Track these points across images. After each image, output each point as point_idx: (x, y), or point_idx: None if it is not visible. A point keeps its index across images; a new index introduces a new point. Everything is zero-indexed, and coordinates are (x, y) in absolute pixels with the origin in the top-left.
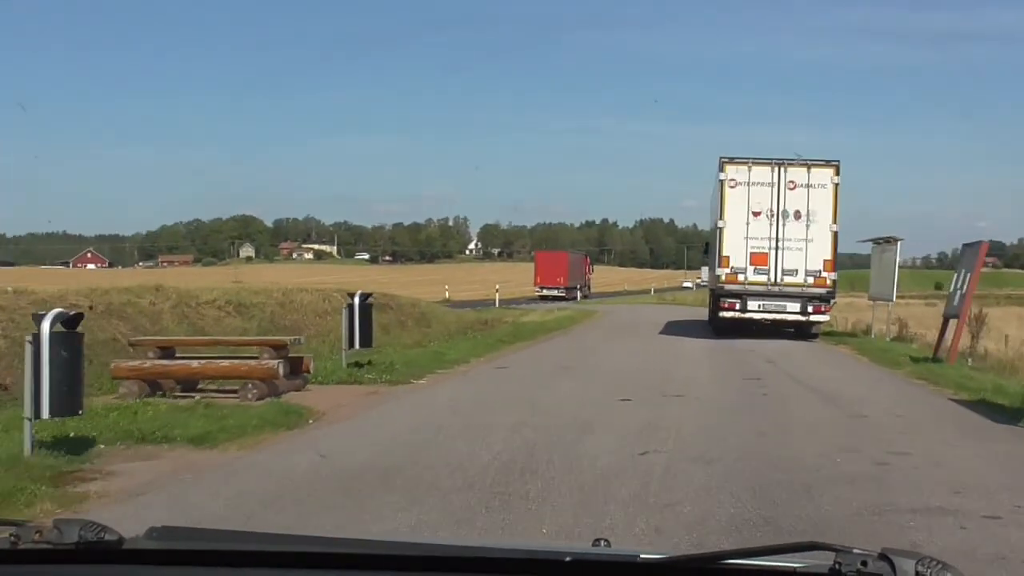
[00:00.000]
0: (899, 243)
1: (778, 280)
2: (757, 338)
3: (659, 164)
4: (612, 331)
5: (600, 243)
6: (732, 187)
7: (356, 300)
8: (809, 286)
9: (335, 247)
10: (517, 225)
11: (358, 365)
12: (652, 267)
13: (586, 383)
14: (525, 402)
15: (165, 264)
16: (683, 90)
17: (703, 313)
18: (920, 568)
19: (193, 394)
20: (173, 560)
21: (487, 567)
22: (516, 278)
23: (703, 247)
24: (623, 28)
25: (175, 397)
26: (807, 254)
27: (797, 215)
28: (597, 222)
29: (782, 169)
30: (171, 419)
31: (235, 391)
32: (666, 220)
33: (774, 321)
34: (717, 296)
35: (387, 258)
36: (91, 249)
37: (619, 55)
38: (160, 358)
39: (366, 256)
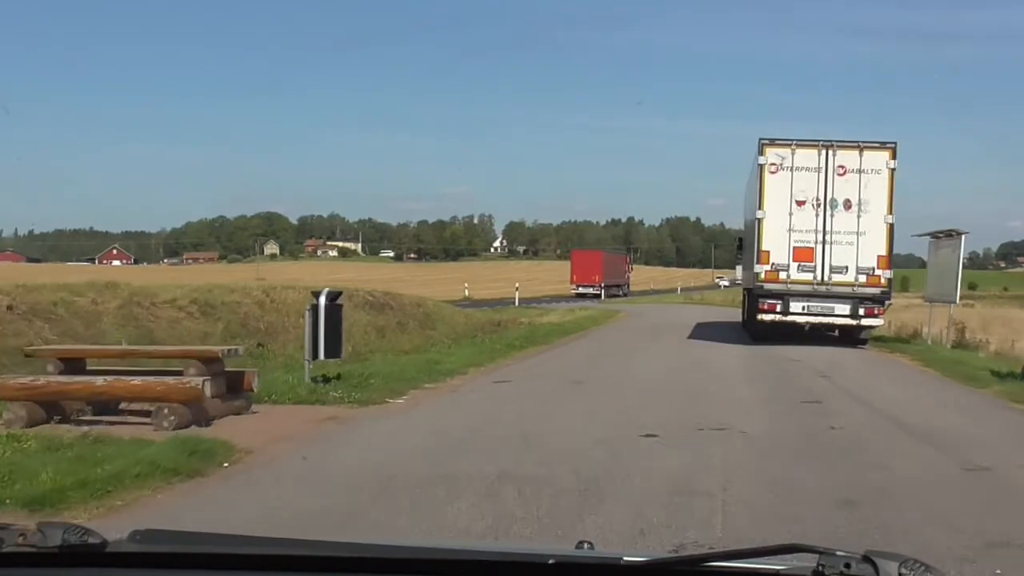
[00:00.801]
0: (963, 237)
1: (825, 278)
2: (798, 344)
3: (686, 162)
4: (635, 334)
5: (626, 241)
6: (773, 172)
7: (321, 300)
8: (861, 285)
9: (360, 244)
10: (542, 223)
11: (325, 379)
12: (678, 266)
13: (600, 406)
14: (517, 437)
15: (190, 261)
16: (710, 88)
17: (734, 314)
18: (903, 570)
19: (107, 419)
20: (156, 563)
21: (471, 569)
22: (541, 276)
23: (736, 243)
24: (651, 25)
25: (82, 423)
26: (858, 249)
27: (847, 204)
28: (623, 220)
29: (830, 152)
30: (24, 464)
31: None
32: (692, 218)
33: (819, 325)
34: (755, 296)
35: (412, 256)
36: (116, 246)
37: (646, 52)
38: (63, 372)
39: (391, 254)
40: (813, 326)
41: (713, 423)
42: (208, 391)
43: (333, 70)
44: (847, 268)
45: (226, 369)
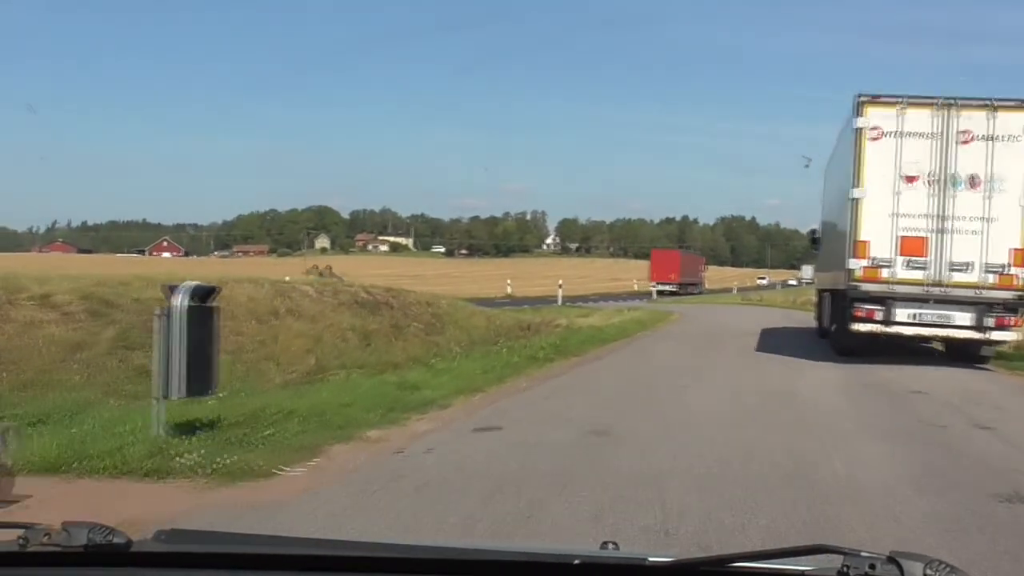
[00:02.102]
0: None
1: (941, 278)
2: (898, 362)
3: (742, 161)
4: (690, 344)
5: (680, 239)
6: (875, 139)
7: (178, 302)
8: (988, 287)
9: (411, 239)
10: (595, 220)
11: (191, 429)
12: (733, 265)
13: (626, 503)
14: None
15: (240, 254)
16: (769, 88)
17: (802, 319)
18: (928, 571)
19: None
20: (181, 563)
21: (497, 570)
22: (593, 274)
23: (810, 235)
24: (709, 23)
25: None
26: (986, 240)
27: (972, 182)
28: (677, 219)
29: (951, 113)
30: None
31: None
32: (748, 218)
33: (933, 338)
34: (851, 300)
35: (463, 252)
36: (167, 238)
37: (705, 49)
38: None
39: (442, 249)
40: (924, 339)
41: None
42: None
43: (391, 64)
44: (971, 265)
45: None
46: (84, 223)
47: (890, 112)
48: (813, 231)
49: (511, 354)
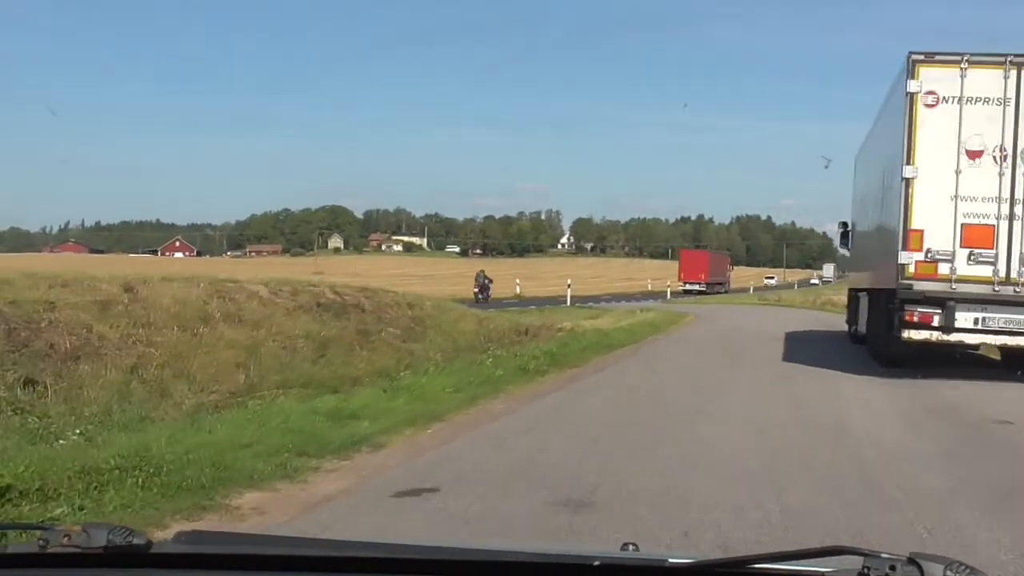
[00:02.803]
0: None
1: (1013, 274)
2: (953, 376)
3: (757, 161)
4: (705, 353)
5: (695, 239)
6: (930, 106)
7: None
8: None
9: (425, 239)
10: (610, 219)
11: None
12: (748, 264)
13: None
14: None
15: (253, 253)
16: (783, 86)
17: (827, 320)
18: (948, 573)
19: None
20: (201, 564)
21: (516, 571)
22: (608, 274)
23: (840, 228)
24: (723, 23)
25: None
26: None
27: None
28: (692, 218)
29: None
30: None
31: None
32: (763, 217)
33: (1003, 348)
34: (901, 302)
35: (477, 251)
36: (179, 238)
37: (720, 50)
38: None
39: (456, 249)
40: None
41: None
42: None
43: (406, 65)
44: None
45: None
46: (98, 223)
47: (949, 73)
48: (843, 225)
49: (496, 365)
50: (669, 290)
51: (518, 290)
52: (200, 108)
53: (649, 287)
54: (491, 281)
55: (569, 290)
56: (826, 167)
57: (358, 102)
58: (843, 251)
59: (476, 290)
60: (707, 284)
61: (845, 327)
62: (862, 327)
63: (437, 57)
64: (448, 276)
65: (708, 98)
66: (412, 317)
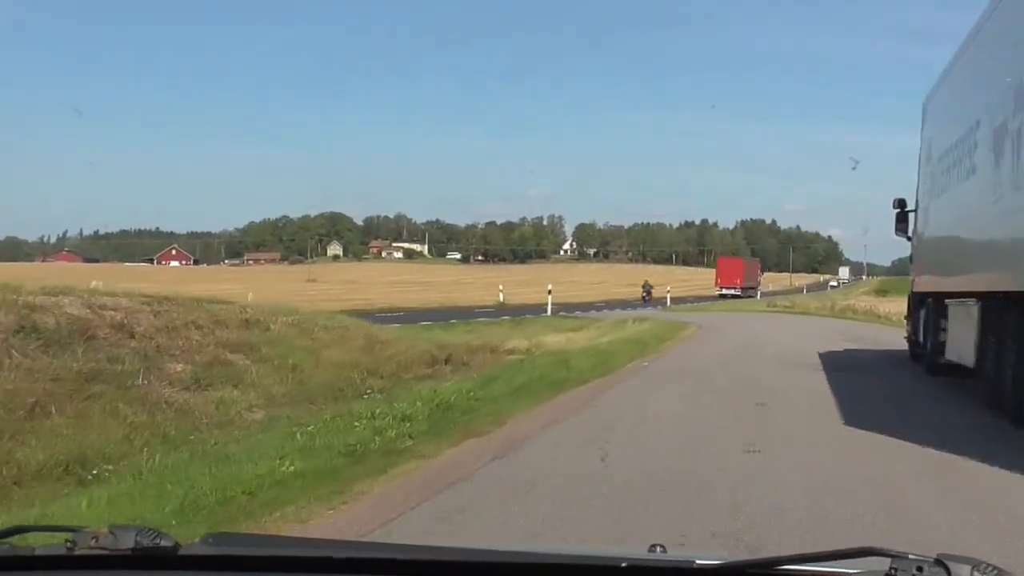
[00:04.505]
0: None
1: None
2: None
3: (762, 165)
4: (708, 399)
5: (699, 243)
6: None
7: None
8: None
9: (426, 246)
10: (614, 225)
11: None
12: None
13: None
14: None
15: (251, 262)
16: (786, 89)
17: (856, 333)
18: (976, 574)
19: None
20: (229, 566)
21: (545, 573)
22: (611, 279)
23: (895, 206)
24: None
25: None
26: None
27: None
28: (696, 223)
29: None
30: None
31: None
32: (768, 221)
33: None
34: None
35: (479, 258)
36: (175, 246)
37: (723, 53)
38: None
39: (458, 256)
40: None
41: None
42: None
43: (408, 71)
44: None
45: None
46: (96, 232)
47: None
48: (900, 203)
49: (313, 439)
50: (669, 297)
51: (501, 297)
52: (201, 114)
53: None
54: (652, 286)
55: (550, 297)
56: (854, 168)
57: (359, 107)
58: (901, 237)
59: (644, 294)
60: (742, 289)
61: (885, 341)
62: (954, 354)
63: (440, 62)
64: (445, 283)
65: (710, 100)
66: (237, 343)
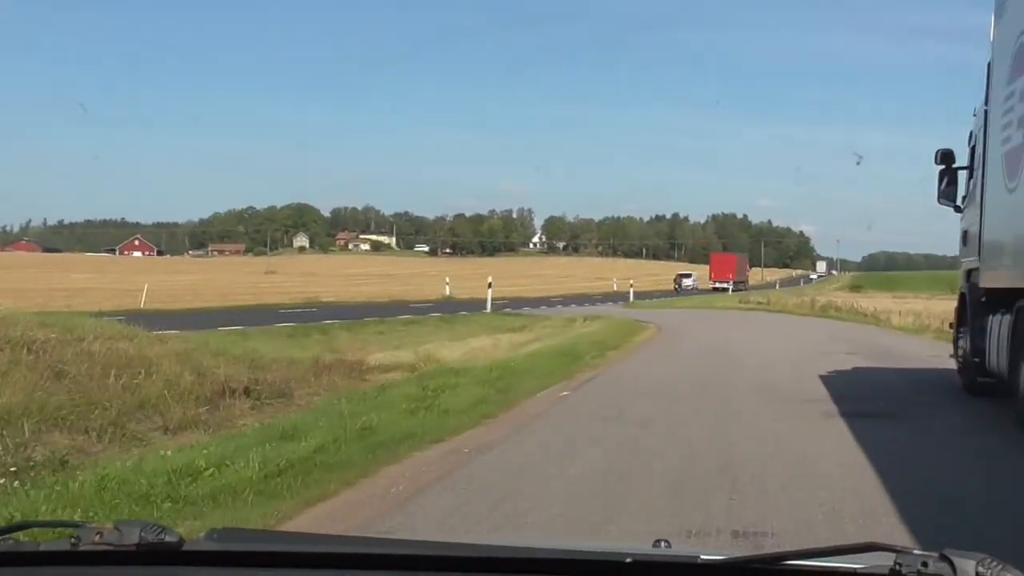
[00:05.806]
0: None
1: None
2: None
3: (733, 160)
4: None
5: (670, 237)
6: None
7: None
8: None
9: (394, 238)
10: (584, 218)
11: None
12: None
13: None
14: None
15: (215, 253)
16: (760, 88)
17: (852, 336)
18: (980, 569)
19: None
20: (233, 562)
21: (548, 568)
22: (578, 273)
23: (938, 159)
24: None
25: None
26: None
27: None
28: (667, 216)
29: None
30: None
31: None
32: (739, 215)
33: None
34: None
35: (447, 250)
36: (139, 236)
37: (693, 53)
38: None
39: (425, 248)
40: None
41: None
42: None
43: (382, 66)
44: None
45: None
46: (60, 222)
47: None
48: (946, 157)
49: None
50: (632, 292)
51: (447, 291)
52: (170, 106)
53: (614, 287)
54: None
55: (490, 292)
56: (858, 163)
57: (327, 101)
58: (946, 206)
59: (676, 286)
60: (734, 283)
61: (897, 352)
62: None
63: (413, 58)
64: (408, 276)
65: (684, 99)
66: None
